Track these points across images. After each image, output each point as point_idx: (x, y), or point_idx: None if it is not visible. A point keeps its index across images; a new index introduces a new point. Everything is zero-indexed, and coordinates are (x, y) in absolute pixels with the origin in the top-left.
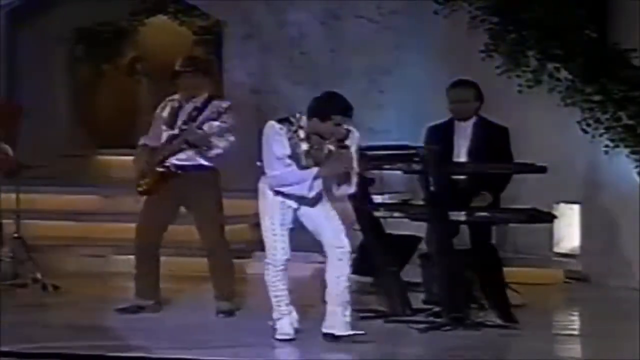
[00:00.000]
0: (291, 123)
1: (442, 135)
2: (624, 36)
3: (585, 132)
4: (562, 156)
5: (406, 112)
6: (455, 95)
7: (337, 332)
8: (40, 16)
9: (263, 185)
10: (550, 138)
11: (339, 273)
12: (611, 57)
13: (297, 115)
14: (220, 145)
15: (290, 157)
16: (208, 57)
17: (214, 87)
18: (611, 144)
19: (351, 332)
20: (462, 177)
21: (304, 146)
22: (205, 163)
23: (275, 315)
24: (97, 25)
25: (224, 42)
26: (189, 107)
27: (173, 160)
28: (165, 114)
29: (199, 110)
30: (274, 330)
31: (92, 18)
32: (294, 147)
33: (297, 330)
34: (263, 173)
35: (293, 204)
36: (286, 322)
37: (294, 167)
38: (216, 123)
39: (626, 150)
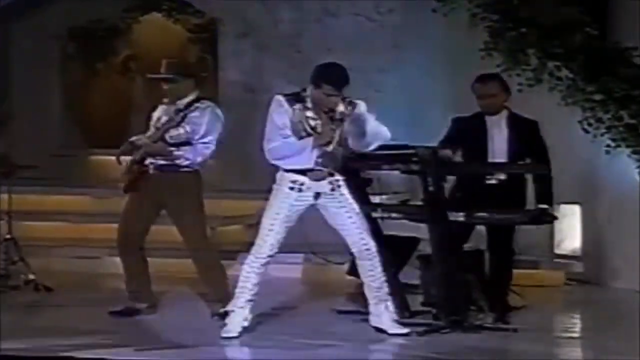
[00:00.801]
0: (298, 95)
1: (473, 129)
2: (625, 34)
3: (587, 131)
4: (563, 156)
5: (404, 111)
6: (482, 90)
7: (389, 330)
8: (33, 13)
9: (280, 175)
10: (550, 138)
11: (372, 272)
12: (612, 56)
13: (305, 88)
14: (179, 153)
15: (293, 131)
16: (202, 56)
17: (204, 87)
18: (612, 144)
19: (401, 331)
20: (499, 180)
21: (308, 117)
22: (185, 163)
23: (230, 306)
24: (90, 22)
25: (219, 40)
26: (171, 109)
27: (152, 161)
28: (155, 116)
29: (179, 111)
30: (219, 319)
31: (85, 15)
32: (297, 118)
33: (245, 328)
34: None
35: (310, 199)
36: (235, 320)
37: (293, 139)
38: (181, 130)
39: (628, 150)
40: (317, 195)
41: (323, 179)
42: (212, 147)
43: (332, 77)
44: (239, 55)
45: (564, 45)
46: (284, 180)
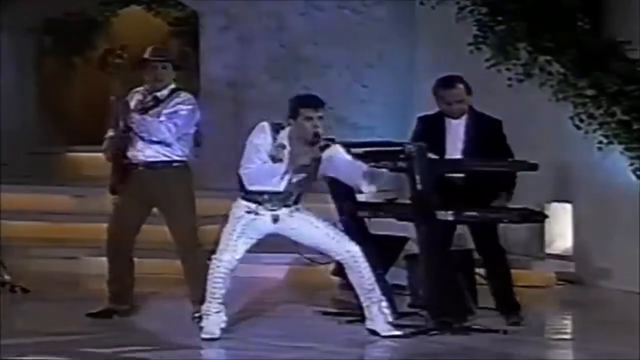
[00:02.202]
0: (282, 127)
1: (434, 127)
2: (618, 27)
3: (578, 128)
4: (554, 153)
5: (391, 107)
6: (450, 96)
7: (382, 333)
8: (7, 5)
9: (238, 202)
10: (541, 134)
11: (359, 274)
12: (605, 50)
13: (289, 123)
14: (161, 132)
15: (271, 157)
16: (183, 50)
17: (186, 82)
18: (605, 140)
19: (393, 333)
20: (459, 176)
21: (287, 150)
22: (175, 158)
23: (203, 308)
24: (67, 15)
25: (200, 33)
26: (149, 97)
27: (140, 157)
28: (130, 105)
29: (159, 101)
30: (198, 321)
31: (61, 8)
32: (277, 151)
33: (224, 329)
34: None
35: (269, 223)
36: (213, 321)
37: (270, 163)
38: (164, 112)
39: (620, 147)
40: (276, 218)
41: (278, 208)
42: (179, 123)
43: (307, 100)
44: (221, 50)
45: (555, 39)
46: (240, 205)
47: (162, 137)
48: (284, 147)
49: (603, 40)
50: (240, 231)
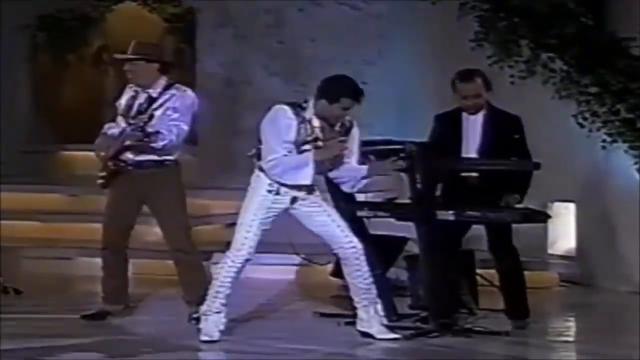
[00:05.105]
0: (302, 108)
1: (450, 125)
2: (622, 24)
3: (582, 126)
4: (557, 152)
5: (390, 105)
6: (466, 90)
7: (377, 335)
8: (0, 2)
9: (257, 177)
10: (544, 133)
11: (359, 272)
12: (609, 47)
13: (306, 100)
14: (161, 138)
15: (296, 142)
16: (179, 47)
17: (182, 79)
18: (609, 139)
19: (388, 336)
20: (473, 175)
21: (310, 132)
22: (166, 158)
23: (204, 308)
24: (61, 11)
25: (196, 30)
26: (142, 96)
27: (130, 156)
28: (122, 102)
29: (152, 100)
30: (195, 323)
31: (55, 4)
32: (301, 133)
33: (222, 332)
34: (258, 158)
35: (286, 203)
36: (212, 323)
37: (294, 152)
38: (158, 113)
39: (625, 146)
40: (294, 199)
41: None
42: (186, 128)
43: (352, 89)
44: (218, 46)
45: (558, 35)
46: (260, 182)
47: (175, 140)
48: (313, 132)
49: (607, 36)
50: (262, 219)
